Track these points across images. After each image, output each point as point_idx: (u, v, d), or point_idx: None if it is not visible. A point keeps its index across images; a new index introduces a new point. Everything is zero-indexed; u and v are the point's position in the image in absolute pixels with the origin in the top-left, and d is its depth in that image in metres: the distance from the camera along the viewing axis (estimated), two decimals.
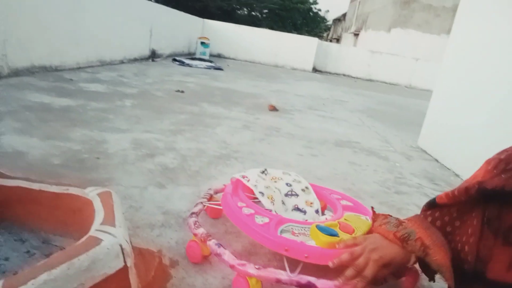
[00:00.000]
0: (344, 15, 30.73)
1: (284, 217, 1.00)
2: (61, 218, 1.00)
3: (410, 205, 1.87)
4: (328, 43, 14.37)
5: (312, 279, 0.82)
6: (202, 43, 9.97)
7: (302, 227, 0.97)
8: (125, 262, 0.78)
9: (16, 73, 3.56)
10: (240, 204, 1.05)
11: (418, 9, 16.42)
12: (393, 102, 7.02)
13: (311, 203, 1.20)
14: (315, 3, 24.08)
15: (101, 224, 0.82)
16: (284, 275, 0.84)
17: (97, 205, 0.91)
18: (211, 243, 0.97)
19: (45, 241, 0.99)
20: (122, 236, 0.81)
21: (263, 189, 1.16)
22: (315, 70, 12.06)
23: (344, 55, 12.46)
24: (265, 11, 21.47)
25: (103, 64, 5.39)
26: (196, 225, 1.06)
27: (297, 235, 0.94)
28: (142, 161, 1.90)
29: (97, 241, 0.75)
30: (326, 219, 1.09)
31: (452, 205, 0.77)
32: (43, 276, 0.63)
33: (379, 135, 3.57)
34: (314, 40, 11.94)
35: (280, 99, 4.83)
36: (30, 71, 3.76)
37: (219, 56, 11.28)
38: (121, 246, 0.78)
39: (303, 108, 4.42)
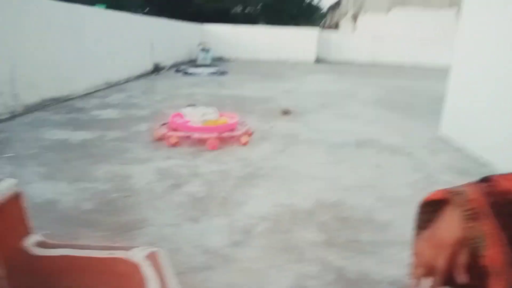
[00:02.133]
0: (338, 1, 30.24)
1: (190, 120, 2.98)
2: (108, 283, 0.99)
3: None
4: (328, 32, 14.19)
5: (192, 133, 2.85)
6: (203, 49, 9.95)
7: (200, 122, 2.95)
8: None
9: (29, 109, 3.59)
10: (177, 119, 3.01)
11: None
12: (402, 88, 6.89)
13: (216, 120, 3.02)
14: None
15: None
16: (182, 135, 2.85)
17: (147, 271, 0.90)
18: (160, 130, 2.90)
19: None
20: None
21: (188, 113, 3.04)
22: (318, 61, 11.95)
23: (345, 42, 12.33)
24: (259, 6, 21.33)
25: (110, 85, 5.41)
26: (157, 128, 2.96)
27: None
28: (169, 193, 1.89)
29: None
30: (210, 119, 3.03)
31: None
32: None
33: (397, 129, 3.50)
34: (315, 31, 11.83)
35: (290, 100, 4.78)
36: (42, 106, 3.79)
37: (220, 59, 11.25)
38: None
39: (315, 107, 4.38)
